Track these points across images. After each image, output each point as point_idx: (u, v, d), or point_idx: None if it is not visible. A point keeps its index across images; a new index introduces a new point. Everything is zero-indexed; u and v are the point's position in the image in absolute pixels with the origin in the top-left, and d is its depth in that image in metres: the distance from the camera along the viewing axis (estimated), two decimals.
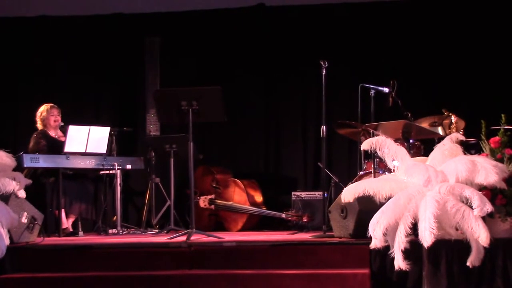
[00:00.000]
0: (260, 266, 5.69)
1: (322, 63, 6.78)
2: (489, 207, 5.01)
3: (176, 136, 8.01)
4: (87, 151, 7.92)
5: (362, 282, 5.37)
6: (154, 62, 9.65)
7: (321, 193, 7.41)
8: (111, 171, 8.00)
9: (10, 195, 6.05)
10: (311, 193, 8.08)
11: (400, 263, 5.12)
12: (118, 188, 7.97)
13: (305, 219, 7.85)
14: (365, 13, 9.19)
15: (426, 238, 5.03)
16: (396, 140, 5.74)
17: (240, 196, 8.57)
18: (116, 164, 7.99)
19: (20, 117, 9.10)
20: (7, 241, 5.72)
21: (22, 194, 6.09)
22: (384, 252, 5.28)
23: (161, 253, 5.95)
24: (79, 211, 7.97)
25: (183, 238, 6.34)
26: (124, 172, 8.19)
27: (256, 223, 8.54)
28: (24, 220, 6.40)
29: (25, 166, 7.43)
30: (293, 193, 8.23)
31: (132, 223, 8.82)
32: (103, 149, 8.04)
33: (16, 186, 5.94)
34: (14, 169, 6.35)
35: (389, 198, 5.29)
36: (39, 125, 8.18)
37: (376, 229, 5.19)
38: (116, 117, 9.41)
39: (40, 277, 5.82)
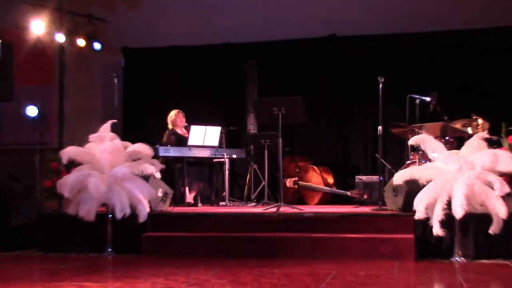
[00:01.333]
0: (331, 231, 5.74)
1: (379, 78, 6.73)
2: (507, 189, 4.95)
3: (269, 134, 8.01)
4: (204, 144, 8.08)
5: (408, 244, 5.37)
6: (252, 79, 9.72)
7: (378, 177, 7.37)
8: (221, 159, 8.13)
9: (149, 176, 6.17)
10: (370, 177, 8.01)
11: (437, 230, 5.10)
12: (227, 172, 8.05)
13: (365, 197, 7.81)
14: (416, 41, 9.05)
15: (458, 212, 5.00)
16: (435, 137, 5.68)
17: (317, 178, 8.58)
18: (225, 154, 8.11)
19: (157, 120, 9.31)
20: (147, 209, 5.93)
21: (158, 175, 6.17)
22: (425, 222, 5.25)
23: (258, 221, 6.05)
24: (198, 188, 8.12)
25: (274, 209, 6.42)
26: (231, 160, 8.30)
27: (328, 199, 8.51)
28: (160, 194, 6.57)
29: (160, 155, 7.61)
30: (356, 176, 8.18)
31: (237, 197, 8.89)
32: (216, 143, 8.18)
33: (154, 170, 6.08)
34: (152, 158, 6.54)
35: (430, 181, 5.27)
36: (170, 125, 8.38)
37: (420, 204, 5.18)
38: (225, 119, 9.45)
39: (170, 236, 6.05)
